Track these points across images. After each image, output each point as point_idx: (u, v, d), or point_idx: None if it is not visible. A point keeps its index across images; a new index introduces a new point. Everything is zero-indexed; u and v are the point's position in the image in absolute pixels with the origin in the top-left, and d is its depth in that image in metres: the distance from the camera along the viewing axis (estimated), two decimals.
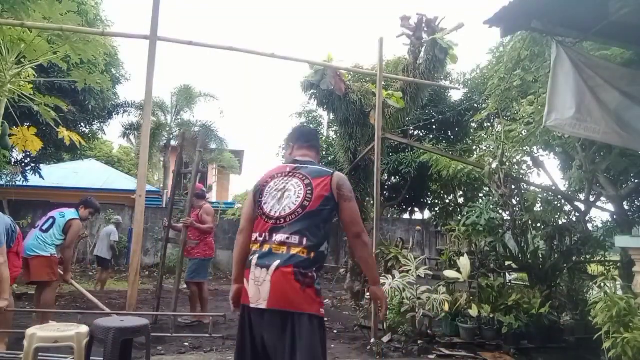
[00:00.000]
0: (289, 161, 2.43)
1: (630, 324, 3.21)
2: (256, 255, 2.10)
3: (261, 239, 2.14)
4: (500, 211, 5.54)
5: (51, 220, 4.62)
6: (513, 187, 5.65)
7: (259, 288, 2.04)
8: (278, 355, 1.98)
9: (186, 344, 4.51)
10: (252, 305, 2.03)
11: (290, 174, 2.26)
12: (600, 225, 6.00)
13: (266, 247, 2.11)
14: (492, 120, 8.37)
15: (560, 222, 5.71)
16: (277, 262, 2.04)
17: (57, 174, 14.29)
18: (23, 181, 11.35)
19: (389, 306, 5.05)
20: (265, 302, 2.00)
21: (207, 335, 4.34)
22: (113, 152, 25.78)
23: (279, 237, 2.10)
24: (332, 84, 6.72)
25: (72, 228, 4.62)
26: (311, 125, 13.16)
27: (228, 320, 5.78)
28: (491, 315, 4.81)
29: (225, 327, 5.40)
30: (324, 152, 11.56)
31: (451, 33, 6.81)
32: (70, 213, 4.72)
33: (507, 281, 6.68)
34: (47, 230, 4.54)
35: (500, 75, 5.64)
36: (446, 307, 4.81)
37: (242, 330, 2.09)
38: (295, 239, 2.07)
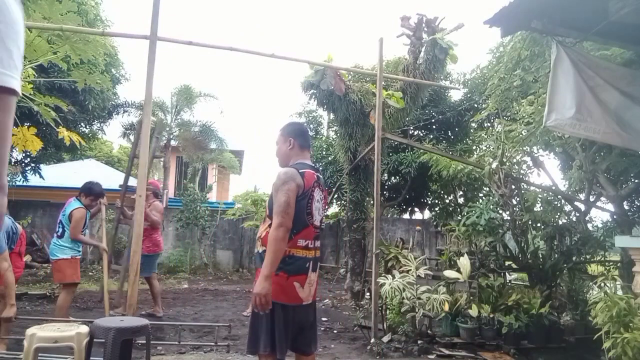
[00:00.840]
0: (302, 164, 2.56)
1: (630, 324, 3.21)
2: (311, 262, 2.47)
3: (312, 246, 2.49)
4: (500, 211, 5.54)
5: (61, 226, 4.71)
6: (513, 187, 5.65)
7: (310, 289, 2.47)
8: (313, 331, 2.58)
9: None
10: (304, 303, 2.44)
11: (320, 187, 2.57)
12: (600, 225, 5.99)
13: (312, 254, 2.49)
14: (492, 120, 8.37)
15: (560, 222, 5.71)
16: (318, 265, 2.57)
17: (57, 174, 14.29)
18: (23, 181, 11.36)
19: (388, 306, 5.06)
20: (311, 298, 2.50)
21: (212, 343, 4.36)
22: (113, 152, 25.77)
23: (317, 243, 2.54)
24: (332, 84, 6.73)
25: (73, 218, 4.67)
26: (311, 125, 13.17)
27: (228, 320, 5.79)
28: (491, 315, 4.81)
29: (227, 331, 5.40)
30: (323, 152, 11.57)
31: (451, 33, 6.81)
32: (70, 207, 4.75)
33: (507, 281, 6.68)
34: (61, 236, 4.65)
35: (500, 75, 5.64)
36: (446, 307, 4.81)
37: (286, 325, 2.37)
38: (319, 243, 2.58)
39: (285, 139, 2.64)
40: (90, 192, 4.93)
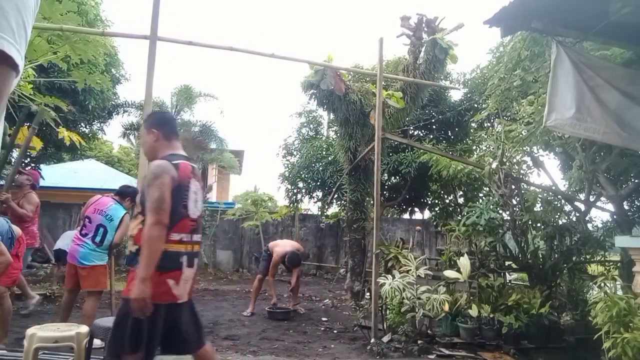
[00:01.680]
0: (173, 156, 2.41)
1: (630, 324, 3.21)
2: (185, 257, 2.31)
3: (187, 240, 2.33)
4: (500, 211, 5.54)
5: (102, 230, 4.40)
6: (513, 187, 5.65)
7: (186, 286, 2.32)
8: (190, 330, 2.36)
9: None
10: (179, 301, 2.28)
11: (196, 178, 2.44)
12: (600, 225, 6.00)
13: (188, 248, 2.33)
14: (492, 120, 8.37)
15: (560, 222, 5.71)
16: (197, 261, 2.41)
17: (57, 174, 14.28)
18: None
19: (388, 306, 5.06)
20: (186, 295, 2.34)
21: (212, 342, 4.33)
22: (113, 152, 25.76)
23: (196, 237, 2.40)
24: (332, 84, 6.73)
25: (124, 223, 4.45)
26: (311, 125, 13.16)
27: (228, 320, 5.80)
28: (491, 315, 4.81)
29: (225, 327, 5.41)
30: (323, 152, 11.56)
31: (451, 33, 6.82)
32: (117, 212, 4.50)
33: (507, 281, 6.68)
34: (101, 242, 4.36)
35: (500, 75, 5.64)
36: (446, 307, 4.81)
37: (155, 325, 2.20)
38: (200, 237, 2.45)
39: (148, 131, 2.48)
40: (127, 193, 4.68)
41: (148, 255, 2.13)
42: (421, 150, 8.30)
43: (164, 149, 2.44)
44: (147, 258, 2.12)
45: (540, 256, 5.57)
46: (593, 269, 5.94)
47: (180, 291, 2.28)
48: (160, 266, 2.17)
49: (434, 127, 10.94)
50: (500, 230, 5.47)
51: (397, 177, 11.45)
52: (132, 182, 6.25)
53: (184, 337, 2.35)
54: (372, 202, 7.32)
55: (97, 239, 4.35)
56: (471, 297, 5.14)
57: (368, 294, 6.28)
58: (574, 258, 5.40)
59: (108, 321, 2.76)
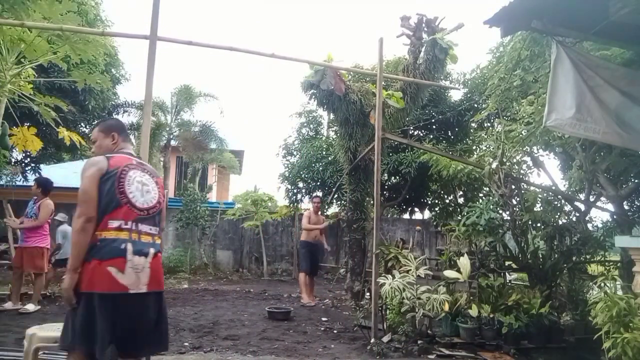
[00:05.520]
0: (117, 152, 2.50)
1: (630, 324, 3.21)
2: (129, 244, 2.25)
3: (129, 227, 2.29)
4: (500, 211, 5.54)
5: None
6: (513, 187, 5.65)
7: (137, 274, 2.24)
8: (149, 330, 2.30)
9: (186, 344, 4.51)
10: (131, 291, 2.20)
11: (140, 168, 2.46)
12: (600, 225, 5.99)
13: (134, 236, 2.29)
14: (492, 120, 8.37)
15: (560, 222, 5.70)
16: (153, 250, 2.35)
17: (57, 174, 14.27)
18: (23, 181, 11.35)
19: (388, 306, 5.06)
20: (145, 287, 2.26)
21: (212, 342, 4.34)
22: None
23: (144, 227, 2.36)
24: (332, 84, 6.72)
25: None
26: (311, 125, 13.15)
27: (228, 320, 5.80)
28: (491, 315, 4.81)
29: (225, 327, 5.41)
30: (323, 152, 11.56)
31: (451, 33, 6.81)
32: None
33: (507, 281, 6.67)
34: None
35: (500, 75, 5.64)
36: (446, 307, 4.81)
37: (107, 317, 2.13)
38: (156, 230, 2.44)
39: (106, 134, 2.56)
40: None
41: (74, 246, 2.19)
42: (421, 150, 8.30)
43: (116, 149, 2.54)
44: (74, 249, 2.19)
45: (540, 256, 5.57)
46: (593, 269, 5.94)
47: (129, 280, 2.20)
48: (100, 254, 2.18)
49: (434, 127, 10.93)
50: (500, 230, 5.47)
51: (397, 177, 11.44)
52: None
53: (140, 336, 2.26)
54: (372, 202, 7.32)
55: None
56: (471, 297, 5.14)
57: (368, 294, 6.28)
58: (574, 258, 5.40)
59: None
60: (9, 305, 5.75)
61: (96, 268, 2.16)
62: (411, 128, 10.18)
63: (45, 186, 6.07)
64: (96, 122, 2.84)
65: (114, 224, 2.24)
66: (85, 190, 2.24)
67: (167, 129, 16.71)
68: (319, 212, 8.04)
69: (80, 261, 2.18)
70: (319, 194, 8.24)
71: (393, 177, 11.64)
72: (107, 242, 2.21)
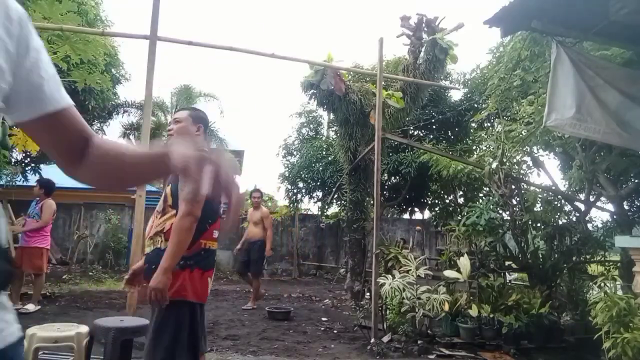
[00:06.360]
0: None
1: (630, 324, 3.21)
2: (214, 255, 2.22)
3: (217, 237, 2.23)
4: (500, 211, 5.54)
5: None
6: (513, 187, 5.65)
7: (209, 285, 2.23)
8: (204, 335, 2.28)
9: None
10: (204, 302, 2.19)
11: None
12: (600, 225, 5.99)
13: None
14: (492, 120, 8.36)
15: (560, 222, 5.71)
16: None
17: (57, 174, 14.26)
18: (23, 181, 11.35)
19: (388, 306, 5.06)
20: (205, 297, 2.23)
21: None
22: None
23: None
24: (332, 84, 6.73)
25: None
26: (311, 125, 13.16)
27: (228, 320, 5.80)
28: (491, 315, 4.81)
29: (225, 327, 5.41)
30: (323, 152, 11.56)
31: (451, 33, 6.82)
32: None
33: (507, 281, 6.67)
34: None
35: (500, 75, 5.64)
36: (446, 307, 4.81)
37: (197, 327, 2.13)
38: None
39: (195, 122, 2.45)
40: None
41: (177, 244, 1.98)
42: (421, 150, 8.30)
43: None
44: (176, 248, 1.98)
45: (540, 256, 5.57)
46: (593, 269, 5.94)
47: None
48: (203, 264, 2.12)
49: (434, 127, 10.93)
50: (500, 230, 5.47)
51: (397, 177, 11.44)
52: None
53: (198, 342, 2.25)
54: (372, 202, 7.31)
55: None
56: (471, 297, 5.14)
57: (368, 294, 6.28)
58: (574, 258, 5.40)
59: (108, 321, 2.76)
60: None
61: (200, 278, 2.10)
62: (411, 128, 10.18)
63: (47, 187, 6.07)
64: (183, 106, 2.63)
65: (216, 234, 2.20)
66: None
67: (167, 129, 16.70)
68: (259, 208, 7.28)
69: (177, 262, 2.01)
70: (261, 189, 7.91)
71: (393, 177, 11.63)
72: (210, 253, 2.17)
